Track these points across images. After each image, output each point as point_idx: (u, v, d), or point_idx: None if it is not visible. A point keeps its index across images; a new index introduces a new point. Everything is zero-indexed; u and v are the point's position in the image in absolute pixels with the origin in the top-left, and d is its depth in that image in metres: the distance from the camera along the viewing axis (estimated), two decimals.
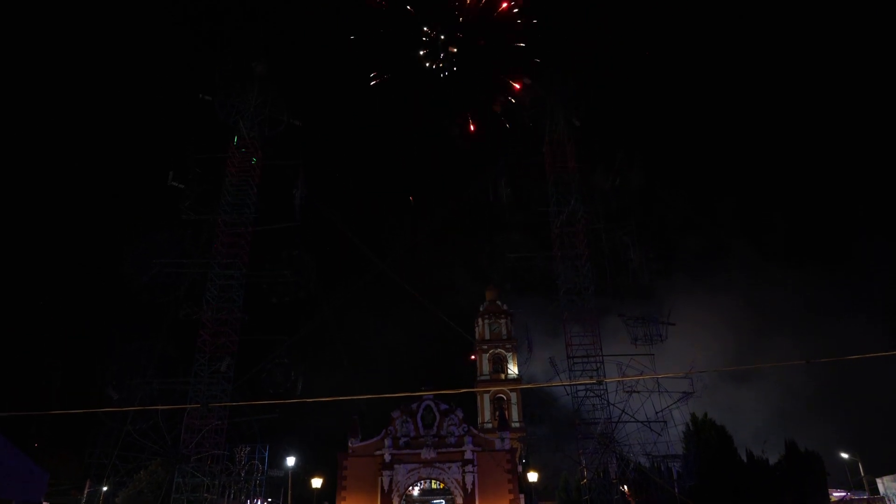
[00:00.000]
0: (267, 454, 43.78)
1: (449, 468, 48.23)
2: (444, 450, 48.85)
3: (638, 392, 45.70)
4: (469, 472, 47.86)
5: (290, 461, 49.48)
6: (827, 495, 49.01)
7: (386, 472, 48.27)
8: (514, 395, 61.46)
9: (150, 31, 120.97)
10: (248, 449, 43.61)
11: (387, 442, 49.34)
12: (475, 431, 50.68)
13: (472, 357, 63.92)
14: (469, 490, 47.40)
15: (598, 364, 47.99)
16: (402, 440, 49.43)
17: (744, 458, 48.03)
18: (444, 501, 54.79)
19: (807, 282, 74.58)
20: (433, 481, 50.31)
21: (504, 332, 64.75)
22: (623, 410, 45.77)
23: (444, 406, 50.77)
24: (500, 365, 63.48)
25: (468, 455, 48.37)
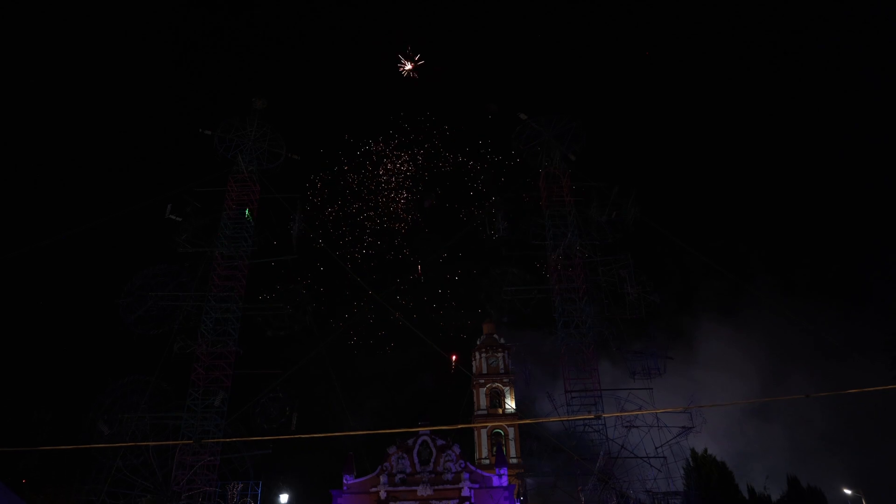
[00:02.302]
0: (260, 491, 42.93)
1: None
2: (440, 486, 47.96)
3: (637, 427, 45.23)
4: None
5: (284, 498, 48.56)
6: None
7: None
8: (511, 431, 60.62)
9: (151, 65, 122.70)
10: (241, 486, 42.77)
11: (382, 479, 48.46)
12: (472, 468, 49.86)
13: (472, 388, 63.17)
14: None
15: (597, 398, 47.56)
16: (398, 477, 48.57)
17: (745, 494, 47.26)
18: None
19: (828, 317, 73.82)
20: None
21: (501, 366, 64.16)
22: (622, 446, 45.21)
23: (440, 441, 50.04)
24: (497, 399, 62.72)
25: (465, 492, 47.49)
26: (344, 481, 49.33)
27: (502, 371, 63.63)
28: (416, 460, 49.25)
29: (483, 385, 63.17)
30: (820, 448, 65.69)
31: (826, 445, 66.00)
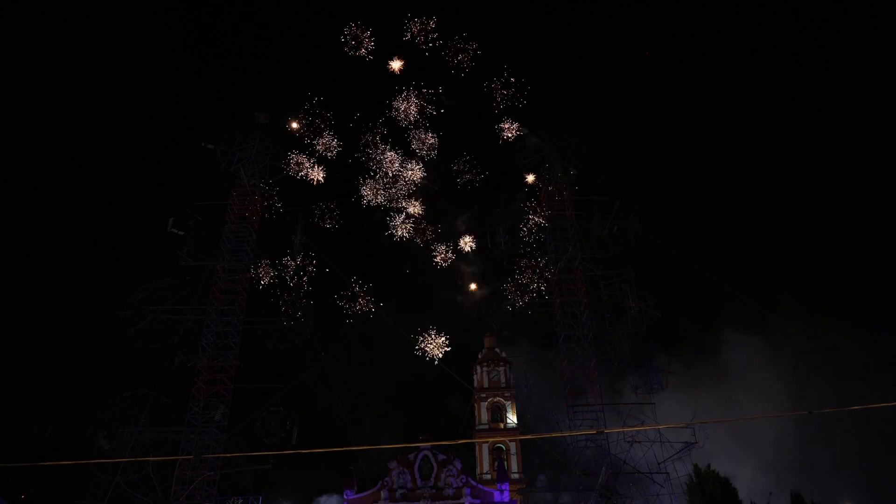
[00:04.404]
0: None
1: None
2: (442, 502, 47.68)
3: (639, 442, 45.00)
4: None
5: None
6: None
7: None
8: (513, 446, 60.15)
9: (153, 76, 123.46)
10: (241, 501, 42.58)
11: (383, 494, 48.18)
12: (473, 483, 49.58)
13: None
14: None
15: (599, 413, 47.34)
16: (399, 492, 48.28)
17: None
18: None
19: (842, 333, 72.95)
20: None
21: (503, 380, 63.75)
22: (624, 461, 44.95)
23: (441, 456, 49.80)
24: (499, 414, 62.25)
25: None
26: (345, 496, 49.04)
27: (504, 385, 63.20)
28: (417, 475, 48.99)
29: (484, 399, 62.74)
30: (829, 466, 65.07)
31: (836, 463, 65.40)
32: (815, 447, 66.64)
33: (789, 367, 72.52)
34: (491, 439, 60.28)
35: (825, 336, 70.47)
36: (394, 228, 51.78)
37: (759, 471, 63.30)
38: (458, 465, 49.58)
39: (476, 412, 62.79)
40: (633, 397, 48.00)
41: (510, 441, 60.03)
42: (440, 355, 49.10)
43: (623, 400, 49.70)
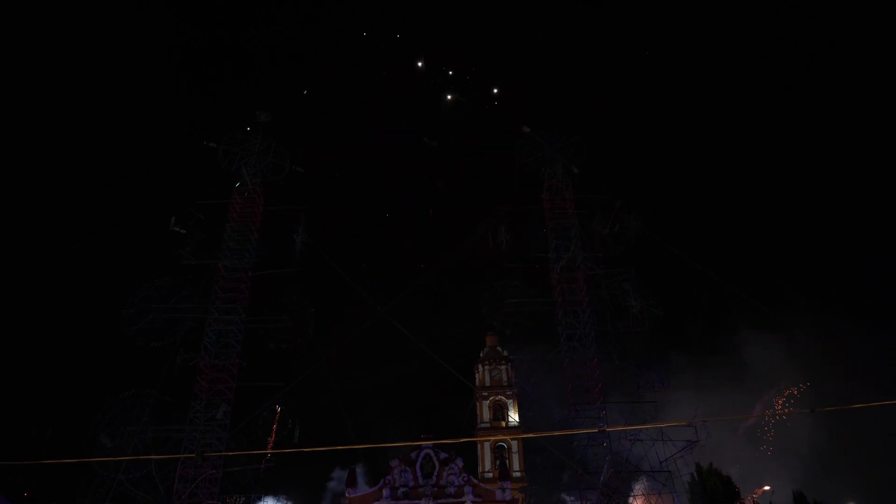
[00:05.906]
0: None
1: None
2: (443, 500, 47.61)
3: (641, 441, 44.98)
4: None
5: None
6: None
7: None
8: (515, 444, 60.16)
9: (154, 76, 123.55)
10: (243, 499, 42.64)
11: (385, 492, 48.14)
12: (475, 481, 49.53)
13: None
14: None
15: (601, 412, 47.31)
16: (401, 490, 48.25)
17: None
18: None
19: (849, 333, 72.59)
20: None
21: (505, 378, 63.76)
22: (626, 460, 44.94)
23: (443, 455, 49.75)
24: (500, 412, 62.29)
25: None
26: (346, 494, 49.04)
27: (505, 384, 63.23)
28: (418, 474, 48.95)
29: (486, 398, 62.77)
30: (831, 465, 65.01)
31: (838, 463, 65.33)
32: (818, 447, 66.58)
33: (797, 367, 72.40)
34: (493, 438, 60.29)
35: (832, 337, 70.33)
36: None
37: (761, 470, 63.26)
38: (460, 463, 49.53)
39: (478, 411, 62.78)
40: (637, 396, 48.00)
41: (512, 440, 60.05)
42: None
43: (628, 399, 49.67)
